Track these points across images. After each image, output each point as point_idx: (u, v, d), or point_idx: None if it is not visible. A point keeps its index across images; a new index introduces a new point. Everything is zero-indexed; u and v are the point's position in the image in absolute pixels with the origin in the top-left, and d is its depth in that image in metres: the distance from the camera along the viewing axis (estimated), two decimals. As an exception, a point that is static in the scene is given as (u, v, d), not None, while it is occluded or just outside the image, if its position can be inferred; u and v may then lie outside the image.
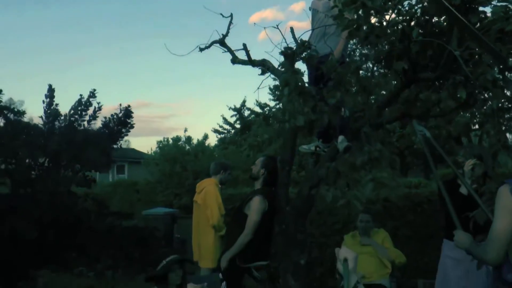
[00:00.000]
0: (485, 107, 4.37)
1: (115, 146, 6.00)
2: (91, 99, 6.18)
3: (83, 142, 5.35)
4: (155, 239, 7.16)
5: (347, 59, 5.26)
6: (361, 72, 4.85)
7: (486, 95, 4.16)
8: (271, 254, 5.46)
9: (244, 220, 5.11)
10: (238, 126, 30.46)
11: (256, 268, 5.57)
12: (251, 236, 5.04)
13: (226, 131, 31.21)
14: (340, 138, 5.17)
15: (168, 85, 72.28)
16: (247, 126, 29.71)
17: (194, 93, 71.17)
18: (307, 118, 4.00)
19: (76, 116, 5.79)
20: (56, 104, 6.18)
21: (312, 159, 5.57)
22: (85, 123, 5.84)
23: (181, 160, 14.88)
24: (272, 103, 29.23)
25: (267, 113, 29.54)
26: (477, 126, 4.74)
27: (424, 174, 16.25)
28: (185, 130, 44.44)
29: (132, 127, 6.02)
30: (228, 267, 5.04)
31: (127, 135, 5.93)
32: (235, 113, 30.70)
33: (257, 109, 29.99)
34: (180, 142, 19.80)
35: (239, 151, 17.75)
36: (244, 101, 35.83)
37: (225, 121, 30.85)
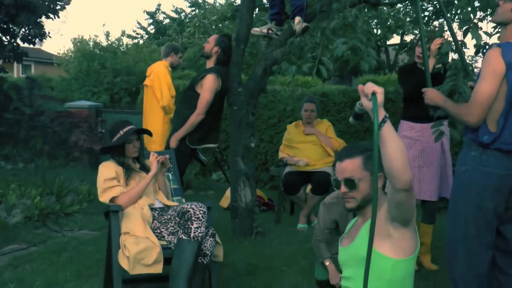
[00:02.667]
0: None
1: (53, 16, 5.38)
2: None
3: (15, 7, 4.72)
4: (88, 126, 6.83)
5: None
6: None
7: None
8: (219, 138, 5.34)
9: (195, 99, 4.89)
10: (152, 31, 29.56)
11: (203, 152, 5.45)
12: (203, 115, 4.84)
13: (139, 36, 30.14)
14: (297, 19, 4.99)
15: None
16: (162, 31, 28.89)
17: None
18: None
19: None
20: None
21: (265, 41, 5.37)
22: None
23: (99, 57, 14.13)
24: (188, 9, 28.61)
25: (183, 18, 28.91)
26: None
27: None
28: (103, 25, 42.13)
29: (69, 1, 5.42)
30: (177, 147, 4.85)
31: (65, 8, 5.33)
32: (149, 17, 29.78)
33: (173, 15, 29.18)
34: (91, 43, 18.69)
35: (153, 51, 16.93)
36: (159, 5, 34.56)
37: (140, 25, 29.82)
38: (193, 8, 28.83)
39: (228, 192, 6.08)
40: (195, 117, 4.83)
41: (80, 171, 8.16)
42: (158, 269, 3.32)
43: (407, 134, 4.44)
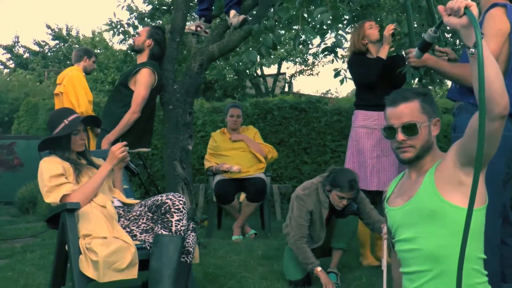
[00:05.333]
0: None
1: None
2: None
3: None
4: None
5: None
6: None
7: None
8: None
9: (128, 96, 4.35)
10: (12, 66, 27.63)
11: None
12: (139, 114, 4.32)
13: (-5, 71, 28.02)
14: (233, 12, 4.73)
15: None
16: (23, 65, 27.12)
17: None
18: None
19: None
20: None
21: (194, 38, 5.01)
22: None
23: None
24: (52, 43, 27.36)
25: (46, 51, 27.51)
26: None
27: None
28: None
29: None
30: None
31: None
32: (6, 51, 27.87)
33: (35, 48, 27.59)
34: None
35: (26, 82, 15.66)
36: (17, 37, 32.62)
37: (-6, 60, 27.76)
38: (57, 41, 27.62)
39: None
40: (130, 116, 4.29)
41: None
42: (133, 273, 2.76)
43: (364, 124, 4.28)
